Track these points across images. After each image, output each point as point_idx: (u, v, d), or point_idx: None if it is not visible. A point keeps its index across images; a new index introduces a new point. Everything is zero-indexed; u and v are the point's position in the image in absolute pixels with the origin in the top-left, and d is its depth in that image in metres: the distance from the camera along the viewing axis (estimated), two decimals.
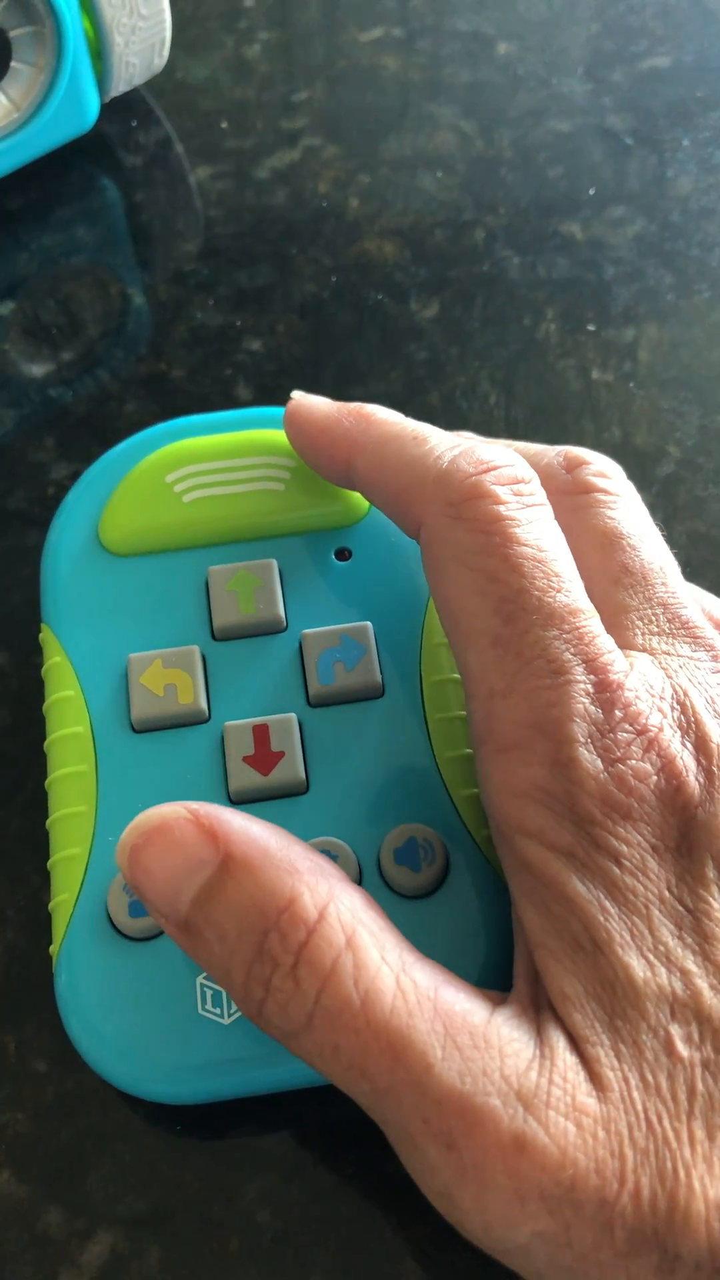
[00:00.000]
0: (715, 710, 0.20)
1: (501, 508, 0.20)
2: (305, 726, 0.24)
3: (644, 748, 0.19)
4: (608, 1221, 0.16)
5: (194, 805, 0.19)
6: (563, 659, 0.19)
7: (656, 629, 0.21)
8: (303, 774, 0.23)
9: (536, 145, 0.38)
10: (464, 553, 0.20)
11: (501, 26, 0.41)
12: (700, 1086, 0.17)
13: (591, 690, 0.19)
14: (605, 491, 0.23)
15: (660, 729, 0.19)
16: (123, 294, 0.35)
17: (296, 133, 0.38)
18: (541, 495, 0.21)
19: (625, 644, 0.21)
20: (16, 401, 0.33)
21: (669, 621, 0.21)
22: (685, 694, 0.20)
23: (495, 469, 0.21)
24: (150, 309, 0.35)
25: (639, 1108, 0.17)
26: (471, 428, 0.31)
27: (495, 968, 0.22)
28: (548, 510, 0.21)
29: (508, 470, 0.21)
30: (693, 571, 0.23)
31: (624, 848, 0.18)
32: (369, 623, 0.25)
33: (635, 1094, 0.17)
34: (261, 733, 0.23)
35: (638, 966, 0.18)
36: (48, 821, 0.24)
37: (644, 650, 0.21)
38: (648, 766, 0.19)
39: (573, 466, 0.24)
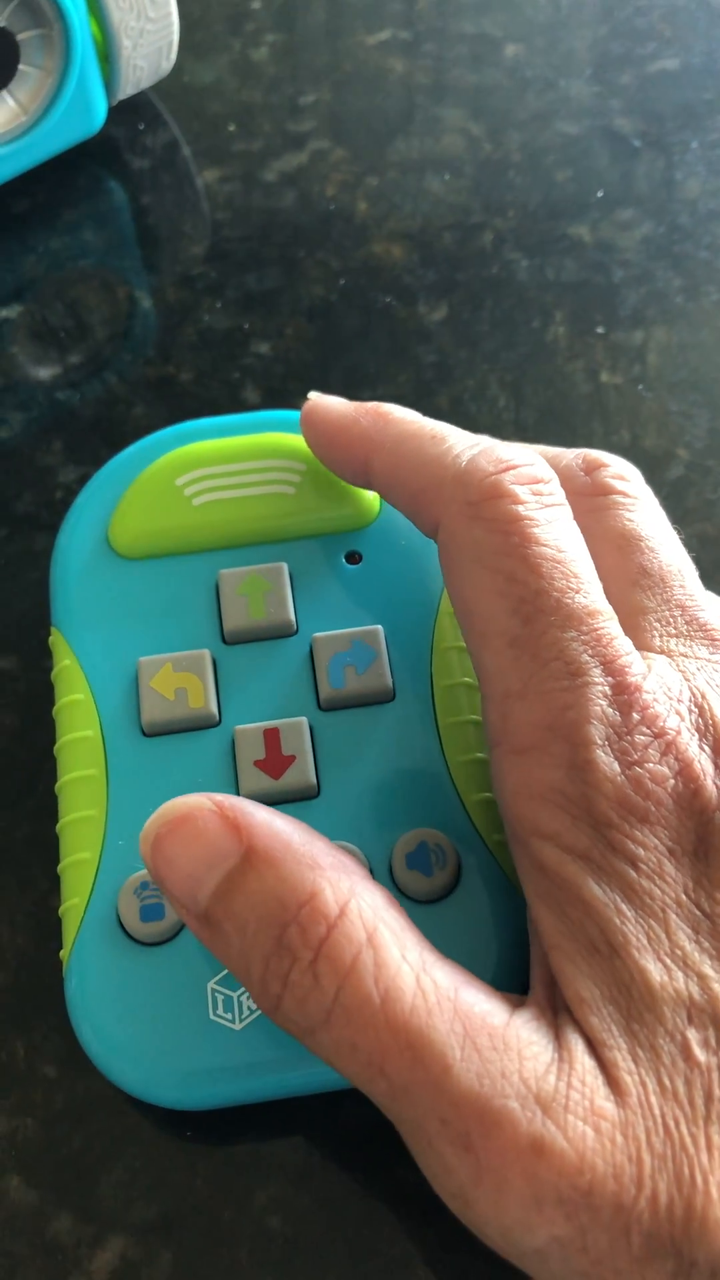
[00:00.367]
0: None
1: (521, 508, 0.20)
2: (316, 730, 0.24)
3: (661, 750, 0.19)
4: (624, 1227, 0.16)
5: (218, 797, 0.19)
6: (580, 660, 0.19)
7: (674, 631, 0.21)
8: (314, 778, 0.23)
9: (544, 148, 0.38)
10: (482, 553, 0.20)
11: (509, 29, 0.41)
12: (717, 1092, 0.17)
13: (609, 692, 0.19)
14: (624, 494, 0.23)
15: (678, 732, 0.19)
16: (130, 297, 0.35)
17: (304, 135, 0.38)
18: (561, 495, 0.21)
19: (643, 646, 0.21)
20: (24, 405, 0.33)
21: (687, 624, 0.21)
22: (703, 696, 0.20)
23: (515, 468, 0.21)
24: (158, 312, 0.35)
25: (656, 1113, 0.17)
26: (480, 431, 0.31)
27: (507, 973, 0.22)
28: (567, 511, 0.21)
29: (527, 470, 0.21)
30: (703, 575, 0.23)
31: (641, 851, 0.18)
32: (380, 626, 0.25)
33: (653, 1099, 0.17)
34: (272, 737, 0.23)
35: (654, 970, 0.18)
36: (58, 826, 0.23)
37: (662, 652, 0.21)
38: (665, 769, 0.19)
39: (591, 469, 0.24)
